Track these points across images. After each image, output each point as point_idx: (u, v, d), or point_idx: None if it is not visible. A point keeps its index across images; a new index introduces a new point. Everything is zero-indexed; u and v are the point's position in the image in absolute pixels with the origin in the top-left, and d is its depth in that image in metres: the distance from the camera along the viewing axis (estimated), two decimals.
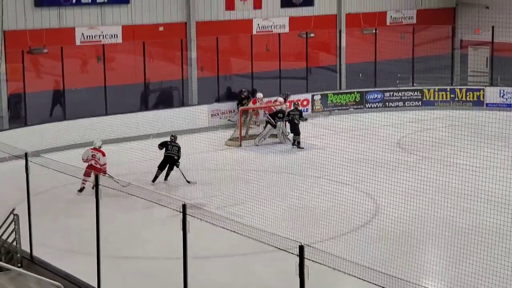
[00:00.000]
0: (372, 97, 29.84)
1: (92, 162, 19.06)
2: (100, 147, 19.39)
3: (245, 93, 27.02)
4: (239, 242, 12.06)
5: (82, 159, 19.19)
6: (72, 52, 25.22)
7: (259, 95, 26.57)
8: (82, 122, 24.18)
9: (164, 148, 19.90)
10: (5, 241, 14.10)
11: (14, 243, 13.91)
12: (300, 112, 24.71)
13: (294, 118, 24.15)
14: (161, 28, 27.12)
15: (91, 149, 19.36)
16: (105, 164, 19.09)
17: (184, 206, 10.45)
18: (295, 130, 24.02)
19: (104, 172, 18.53)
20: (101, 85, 25.41)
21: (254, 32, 29.27)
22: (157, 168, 19.76)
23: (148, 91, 27.01)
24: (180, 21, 27.58)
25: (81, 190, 18.77)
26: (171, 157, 19.67)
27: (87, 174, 18.44)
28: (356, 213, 16.14)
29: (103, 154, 19.18)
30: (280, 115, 24.35)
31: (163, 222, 15.47)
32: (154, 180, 19.61)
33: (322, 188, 18.80)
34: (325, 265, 8.67)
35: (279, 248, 9.25)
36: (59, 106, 25.33)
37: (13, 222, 13.85)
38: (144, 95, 26.91)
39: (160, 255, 14.56)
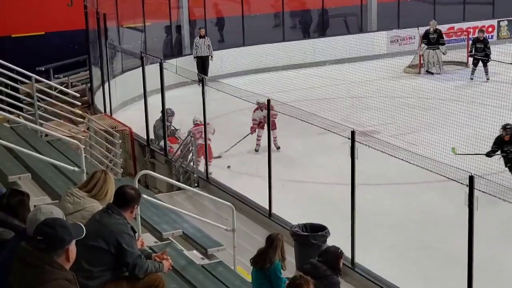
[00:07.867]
0: None
1: None
2: None
3: None
4: (409, 171, 11.96)
5: None
6: None
7: None
8: (258, 48, 24.34)
9: None
10: (183, 161, 14.75)
11: (191, 163, 14.51)
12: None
13: None
14: None
15: None
16: None
17: (353, 133, 10.50)
18: None
19: None
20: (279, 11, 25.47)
21: None
22: None
23: (326, 17, 26.79)
24: None
25: None
26: None
27: None
28: None
29: None
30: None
31: (336, 149, 15.40)
32: None
33: (503, 119, 17.88)
34: (495, 196, 8.40)
35: (448, 178, 9.03)
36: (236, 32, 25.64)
37: (190, 144, 14.43)
38: (322, 21, 26.74)
39: (331, 180, 14.62)
